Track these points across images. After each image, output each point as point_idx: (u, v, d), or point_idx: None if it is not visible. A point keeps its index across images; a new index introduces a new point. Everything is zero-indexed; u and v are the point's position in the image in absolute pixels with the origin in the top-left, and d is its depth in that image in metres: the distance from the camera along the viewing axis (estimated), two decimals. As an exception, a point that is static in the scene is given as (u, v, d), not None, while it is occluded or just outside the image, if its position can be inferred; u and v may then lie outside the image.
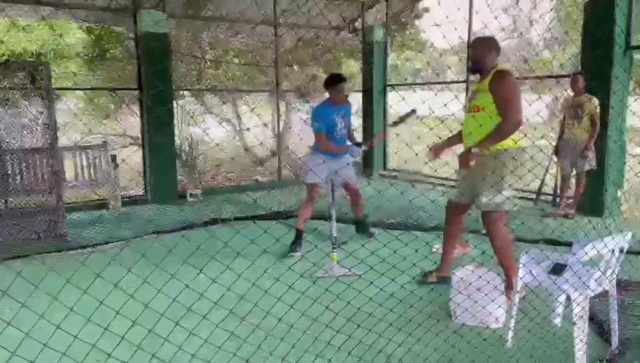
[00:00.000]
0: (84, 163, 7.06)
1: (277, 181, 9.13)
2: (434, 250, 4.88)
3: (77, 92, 10.94)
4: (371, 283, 2.80)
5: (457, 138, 3.88)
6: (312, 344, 2.65)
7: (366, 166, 9.84)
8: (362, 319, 2.86)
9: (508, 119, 3.38)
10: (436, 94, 3.71)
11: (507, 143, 3.44)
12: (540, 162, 3.58)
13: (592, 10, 6.10)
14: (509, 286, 3.48)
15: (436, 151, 3.94)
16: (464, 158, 3.46)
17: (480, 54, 3.60)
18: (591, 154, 5.97)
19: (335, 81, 5.00)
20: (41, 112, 5.46)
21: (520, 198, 7.25)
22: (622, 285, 3.68)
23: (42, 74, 5.44)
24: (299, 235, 5.10)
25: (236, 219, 6.31)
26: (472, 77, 3.81)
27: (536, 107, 3.31)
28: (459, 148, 3.74)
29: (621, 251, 2.81)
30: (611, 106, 5.93)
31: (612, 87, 5.93)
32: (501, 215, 3.59)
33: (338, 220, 4.74)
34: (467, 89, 8.29)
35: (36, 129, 5.49)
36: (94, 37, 10.54)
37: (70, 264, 4.52)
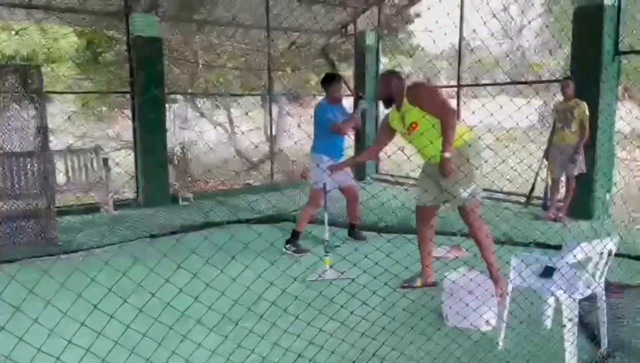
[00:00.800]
0: (76, 166, 7.03)
1: (269, 185, 9.14)
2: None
3: (69, 95, 10.89)
4: (364, 287, 2.82)
5: (367, 154, 4.75)
6: (305, 348, 2.66)
7: (359, 170, 9.87)
8: (355, 322, 2.88)
9: (445, 115, 3.58)
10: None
11: (460, 139, 3.64)
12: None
13: (581, 16, 6.17)
14: (495, 282, 3.59)
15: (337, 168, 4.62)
16: (444, 167, 3.58)
17: (386, 90, 3.89)
18: (581, 159, 6.03)
19: (332, 78, 5.25)
20: (32, 116, 5.43)
21: (512, 201, 7.33)
22: (610, 288, 3.72)
23: (34, 77, 5.42)
24: (296, 236, 5.20)
25: (228, 223, 6.31)
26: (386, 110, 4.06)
27: (525, 112, 3.36)
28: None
29: (609, 254, 2.85)
30: (600, 110, 6.00)
31: (601, 92, 6.00)
32: (476, 204, 3.78)
33: (330, 224, 4.76)
34: (457, 93, 8.35)
35: (27, 132, 5.47)
36: (86, 41, 10.50)
37: (61, 268, 4.51)
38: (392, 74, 3.97)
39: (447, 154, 3.55)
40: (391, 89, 3.85)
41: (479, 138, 3.79)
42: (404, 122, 3.81)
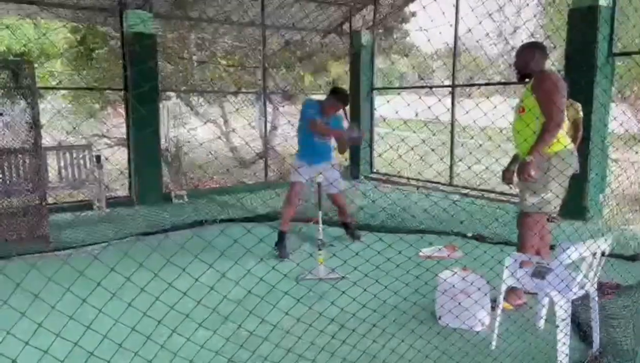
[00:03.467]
0: (68, 163, 6.98)
1: (263, 183, 9.12)
2: (420, 253, 4.90)
3: (62, 91, 10.83)
4: (354, 283, 2.80)
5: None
6: (295, 344, 2.64)
7: (352, 169, 9.88)
8: (345, 319, 2.86)
9: (551, 119, 3.35)
10: (420, 97, 3.74)
11: (556, 145, 3.43)
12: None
13: (576, 17, 6.19)
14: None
15: (509, 176, 3.87)
16: (523, 169, 3.38)
17: (523, 60, 3.59)
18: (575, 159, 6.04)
19: (341, 97, 5.05)
20: (24, 112, 5.38)
21: (504, 201, 7.34)
22: (603, 288, 3.73)
23: (26, 73, 5.36)
24: (282, 236, 5.08)
25: (221, 221, 6.29)
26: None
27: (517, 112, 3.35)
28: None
29: (603, 254, 2.85)
30: (593, 111, 6.02)
31: (595, 93, 6.02)
32: (537, 218, 3.57)
33: (324, 222, 4.75)
34: (452, 93, 8.35)
35: (19, 128, 5.42)
36: (79, 37, 10.45)
37: (52, 265, 4.47)
38: (536, 49, 3.59)
39: (529, 158, 3.34)
40: (528, 65, 3.55)
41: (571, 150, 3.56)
42: (521, 101, 3.59)
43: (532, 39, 5.71)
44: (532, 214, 3.54)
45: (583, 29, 6.06)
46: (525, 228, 3.59)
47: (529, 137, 3.42)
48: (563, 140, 3.48)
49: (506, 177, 3.87)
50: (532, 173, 3.33)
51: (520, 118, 3.54)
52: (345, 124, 5.40)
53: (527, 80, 3.64)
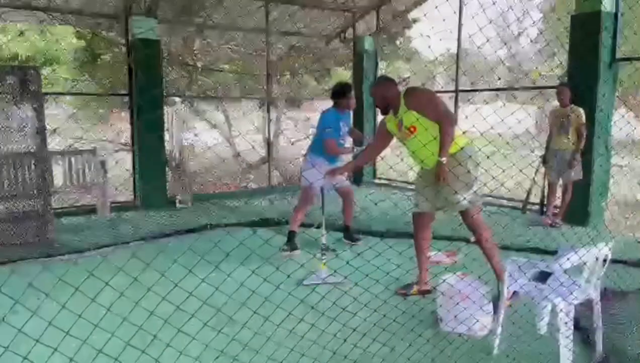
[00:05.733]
0: (74, 168, 7.03)
1: (267, 187, 9.15)
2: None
3: (68, 97, 10.90)
4: (356, 284, 2.82)
5: (367, 155, 4.46)
6: (297, 344, 2.66)
7: (356, 174, 9.90)
8: (347, 320, 2.89)
9: (443, 120, 3.59)
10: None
11: (455, 145, 3.66)
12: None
13: (579, 23, 6.21)
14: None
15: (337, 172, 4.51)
16: (440, 171, 3.58)
17: (382, 97, 3.91)
18: (577, 165, 6.06)
19: (344, 90, 5.17)
20: (30, 117, 5.44)
21: (509, 207, 7.34)
22: (605, 293, 3.73)
23: (32, 78, 5.42)
24: (291, 235, 5.20)
25: (226, 225, 6.31)
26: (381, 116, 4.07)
27: (520, 117, 3.38)
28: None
29: (605, 259, 2.86)
30: (596, 117, 6.03)
31: (598, 98, 6.03)
32: (477, 211, 3.78)
33: (327, 227, 4.77)
34: (456, 98, 8.38)
35: (25, 133, 5.47)
36: (85, 43, 10.53)
37: (59, 269, 4.50)
38: (387, 81, 4.01)
39: (443, 159, 3.56)
40: (388, 95, 3.87)
41: (471, 141, 3.80)
42: (402, 126, 3.81)
43: (535, 45, 5.75)
44: (471, 209, 3.74)
45: (585, 35, 6.07)
46: (474, 222, 3.77)
47: (430, 143, 3.61)
48: (460, 139, 3.72)
49: (345, 168, 4.65)
50: (446, 170, 3.56)
51: (413, 139, 3.74)
52: (364, 140, 5.49)
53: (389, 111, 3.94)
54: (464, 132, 3.84)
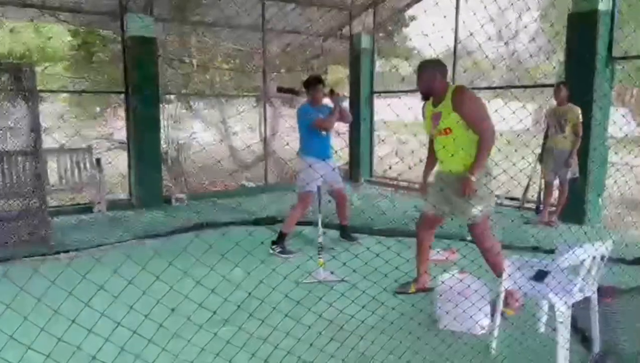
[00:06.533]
0: (69, 166, 7.00)
1: (263, 186, 9.13)
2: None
3: (63, 94, 10.85)
4: (354, 285, 2.81)
5: (431, 164, 4.01)
6: (295, 346, 2.65)
7: (352, 172, 9.89)
8: (345, 321, 2.87)
9: (485, 132, 3.43)
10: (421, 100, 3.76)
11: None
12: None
13: (576, 21, 6.20)
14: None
15: (423, 187, 4.07)
16: (466, 187, 3.45)
17: (427, 85, 3.65)
18: (574, 163, 6.06)
19: (314, 81, 5.26)
20: (25, 115, 5.39)
21: (505, 205, 7.34)
22: (603, 292, 3.73)
23: (27, 76, 5.37)
24: (282, 236, 5.17)
25: (222, 224, 6.29)
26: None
27: (519, 116, 3.37)
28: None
29: (602, 258, 2.86)
30: (593, 115, 6.03)
31: (595, 97, 6.03)
32: (486, 223, 3.65)
33: (323, 226, 4.75)
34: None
35: (20, 131, 5.42)
36: (80, 40, 10.47)
37: (54, 267, 4.47)
38: (437, 69, 3.63)
39: (474, 178, 3.42)
40: (434, 86, 3.61)
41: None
42: (437, 121, 3.61)
43: (534, 43, 5.74)
44: (480, 222, 3.61)
45: (582, 33, 6.07)
46: (482, 235, 3.64)
47: (455, 153, 3.50)
48: None
49: (423, 189, 4.04)
50: (475, 189, 3.45)
51: (446, 140, 3.57)
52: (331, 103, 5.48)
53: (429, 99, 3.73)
54: None
